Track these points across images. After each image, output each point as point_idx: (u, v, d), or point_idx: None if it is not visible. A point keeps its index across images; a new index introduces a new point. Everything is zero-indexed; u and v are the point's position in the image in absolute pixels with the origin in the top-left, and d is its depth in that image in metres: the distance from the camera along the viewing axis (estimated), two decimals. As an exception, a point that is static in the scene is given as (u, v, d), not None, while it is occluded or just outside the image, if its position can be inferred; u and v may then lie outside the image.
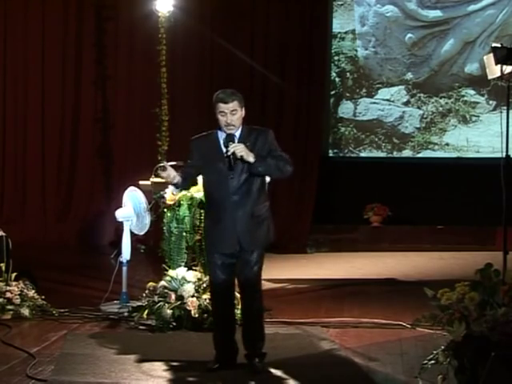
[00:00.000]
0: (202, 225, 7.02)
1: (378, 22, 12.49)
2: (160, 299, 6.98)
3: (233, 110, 5.67)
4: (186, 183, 5.89)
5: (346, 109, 12.67)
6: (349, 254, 11.02)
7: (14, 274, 7.56)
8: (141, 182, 8.86)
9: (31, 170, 12.48)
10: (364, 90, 12.62)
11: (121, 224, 7.91)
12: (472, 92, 12.40)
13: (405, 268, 10.06)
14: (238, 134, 5.73)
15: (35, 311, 7.39)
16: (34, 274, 7.98)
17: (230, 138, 5.65)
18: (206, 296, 6.82)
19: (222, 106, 5.66)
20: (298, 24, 12.18)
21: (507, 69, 6.97)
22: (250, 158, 5.59)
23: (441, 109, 12.47)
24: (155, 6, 10.32)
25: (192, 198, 7.15)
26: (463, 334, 4.68)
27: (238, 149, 5.58)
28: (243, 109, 5.75)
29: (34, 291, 7.53)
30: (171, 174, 5.68)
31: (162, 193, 7.57)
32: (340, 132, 12.71)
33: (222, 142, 5.70)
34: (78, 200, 12.42)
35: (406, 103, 12.53)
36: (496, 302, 4.77)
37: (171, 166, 9.01)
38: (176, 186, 5.84)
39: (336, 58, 12.66)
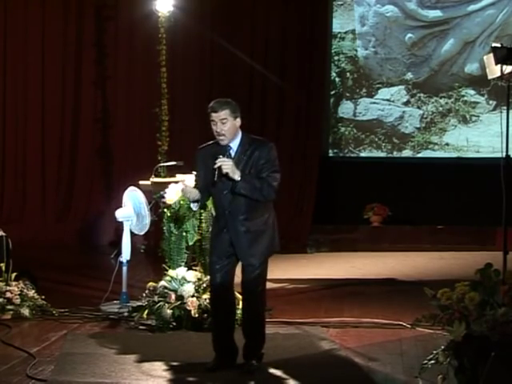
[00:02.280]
0: (203, 225, 7.09)
1: (377, 22, 12.49)
2: (160, 299, 6.99)
3: (223, 119, 5.60)
4: (204, 198, 5.84)
5: (346, 109, 12.67)
6: (349, 254, 11.02)
7: (14, 274, 7.56)
8: (141, 182, 8.85)
9: (31, 170, 12.47)
10: (364, 90, 12.62)
11: (121, 224, 7.91)
12: (472, 92, 12.40)
13: (405, 268, 10.06)
14: (235, 145, 5.67)
15: (35, 311, 7.39)
16: (33, 273, 7.98)
17: (223, 151, 5.61)
18: (206, 296, 6.82)
19: (212, 115, 5.64)
20: (298, 24, 12.18)
21: (507, 69, 6.97)
22: (236, 177, 5.54)
23: (441, 109, 12.47)
24: (155, 6, 10.31)
25: (192, 198, 7.14)
26: (463, 334, 4.68)
27: (225, 165, 5.53)
28: (237, 119, 5.67)
29: (33, 291, 7.53)
30: (192, 193, 5.67)
31: (161, 193, 7.57)
32: (340, 132, 12.71)
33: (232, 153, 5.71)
34: (77, 200, 12.42)
35: (406, 103, 12.53)
36: (496, 302, 4.77)
37: (170, 166, 9.03)
38: (197, 202, 5.77)
39: (336, 57, 12.66)
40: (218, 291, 5.81)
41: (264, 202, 5.71)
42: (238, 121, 5.69)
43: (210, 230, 6.09)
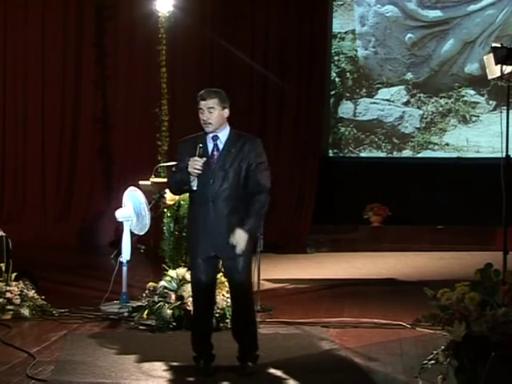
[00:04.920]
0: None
1: (377, 22, 12.49)
2: (160, 299, 6.98)
3: (210, 108, 5.62)
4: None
5: (345, 109, 12.67)
6: (349, 254, 11.02)
7: (14, 274, 7.56)
8: (141, 182, 8.85)
9: (31, 170, 12.48)
10: (364, 90, 12.62)
11: (121, 224, 7.91)
12: (472, 92, 12.40)
13: (405, 268, 10.07)
14: (224, 136, 5.66)
15: (35, 311, 7.38)
16: (33, 273, 7.98)
17: (203, 149, 5.55)
18: (206, 296, 6.81)
19: (200, 103, 5.67)
20: (298, 24, 12.18)
21: (507, 69, 6.97)
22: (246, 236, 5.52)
23: (441, 109, 12.47)
24: (155, 6, 10.31)
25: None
26: (463, 334, 4.68)
27: (242, 242, 5.50)
28: (225, 110, 5.66)
29: (33, 291, 7.52)
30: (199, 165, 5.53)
31: (161, 193, 7.56)
32: (340, 132, 12.71)
33: (209, 144, 5.64)
34: (78, 200, 12.42)
35: (406, 103, 12.53)
36: (496, 302, 4.77)
37: (170, 166, 9.01)
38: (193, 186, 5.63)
39: (336, 58, 12.66)
40: (200, 292, 5.72)
41: (246, 199, 5.64)
42: (226, 112, 5.68)
43: (187, 223, 5.88)
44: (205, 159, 5.53)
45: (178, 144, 5.79)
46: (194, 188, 5.60)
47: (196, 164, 5.50)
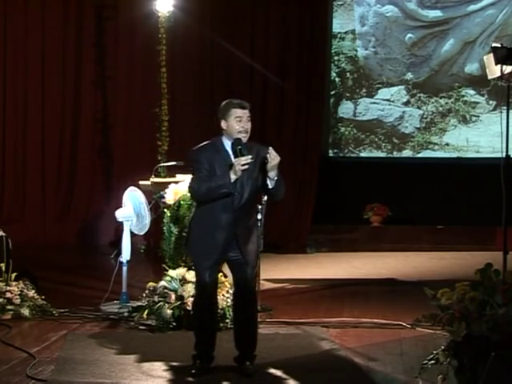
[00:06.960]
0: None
1: (377, 22, 12.49)
2: (160, 299, 6.99)
3: (248, 117, 5.66)
4: None
5: (345, 109, 12.67)
6: (349, 254, 11.02)
7: (14, 274, 7.56)
8: (141, 182, 8.85)
9: (31, 170, 12.47)
10: (364, 90, 12.62)
11: (121, 224, 7.91)
12: (472, 92, 12.40)
13: (405, 268, 10.07)
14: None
15: (35, 311, 7.38)
16: (33, 273, 7.98)
17: (238, 143, 5.54)
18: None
19: (239, 112, 5.63)
20: (298, 24, 12.18)
21: (507, 69, 6.97)
22: (274, 173, 5.57)
23: (441, 109, 12.47)
24: (155, 6, 10.31)
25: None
26: (463, 334, 4.69)
27: (276, 158, 5.53)
28: None
29: (33, 291, 7.52)
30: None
31: (161, 193, 7.56)
32: (340, 132, 12.71)
33: (230, 151, 5.61)
34: (77, 200, 12.42)
35: (406, 103, 12.53)
36: (496, 302, 4.77)
37: (170, 166, 9.00)
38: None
39: (336, 58, 12.66)
40: (207, 292, 5.74)
41: (257, 200, 5.71)
42: None
43: (192, 231, 5.81)
44: (250, 157, 5.49)
45: (196, 152, 5.64)
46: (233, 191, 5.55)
47: (242, 161, 5.46)
